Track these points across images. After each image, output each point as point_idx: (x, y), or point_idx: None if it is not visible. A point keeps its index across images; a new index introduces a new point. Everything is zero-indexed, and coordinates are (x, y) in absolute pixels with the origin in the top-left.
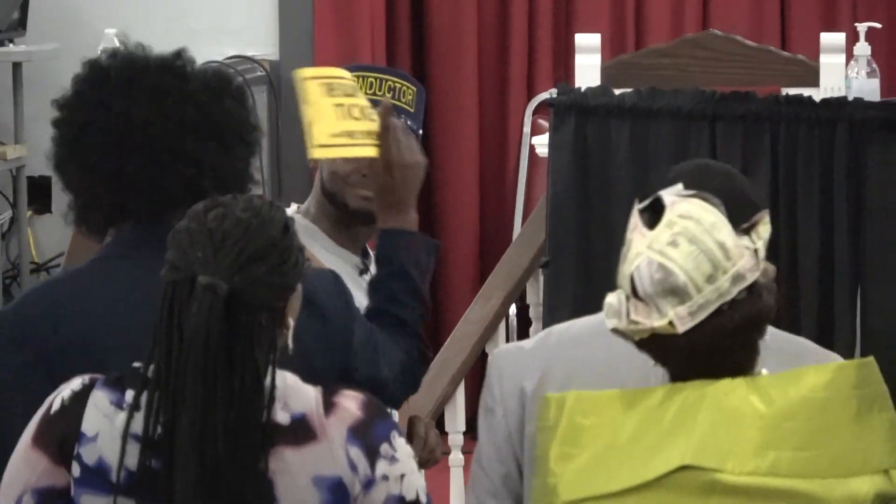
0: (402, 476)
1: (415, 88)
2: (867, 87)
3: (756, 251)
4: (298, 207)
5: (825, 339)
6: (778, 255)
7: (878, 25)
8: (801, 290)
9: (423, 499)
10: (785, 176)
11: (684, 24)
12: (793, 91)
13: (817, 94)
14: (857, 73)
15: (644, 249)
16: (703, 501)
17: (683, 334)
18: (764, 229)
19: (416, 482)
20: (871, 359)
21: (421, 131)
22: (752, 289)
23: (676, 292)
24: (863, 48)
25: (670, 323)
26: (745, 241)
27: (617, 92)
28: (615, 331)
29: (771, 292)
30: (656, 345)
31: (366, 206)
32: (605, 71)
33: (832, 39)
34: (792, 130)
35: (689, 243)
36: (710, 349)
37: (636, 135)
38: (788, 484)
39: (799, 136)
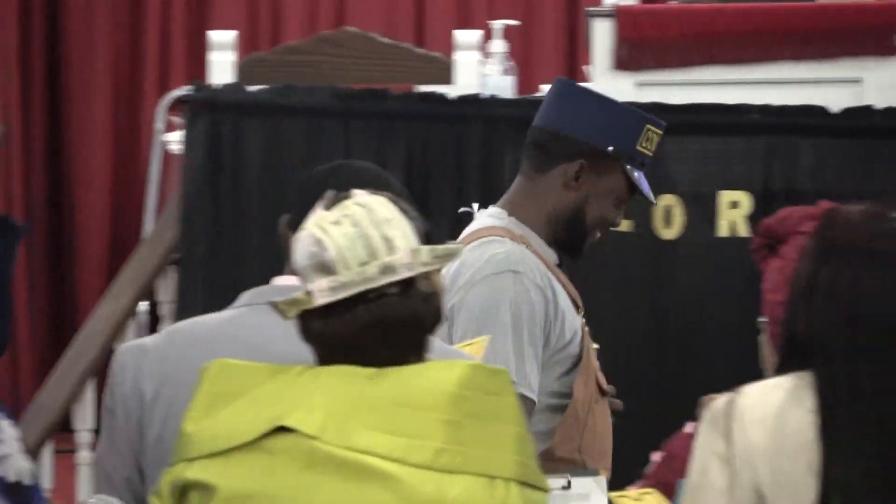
0: (4, 458)
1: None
2: (503, 85)
3: (426, 261)
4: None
5: None
6: None
7: (516, 23)
8: None
9: (26, 481)
10: (419, 174)
11: (320, 21)
12: (427, 88)
13: (452, 92)
14: (493, 71)
15: (310, 225)
16: (300, 468)
17: (325, 318)
18: (447, 251)
19: (18, 464)
20: (504, 369)
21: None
22: (408, 289)
23: (325, 267)
24: (498, 46)
25: (308, 293)
26: (423, 248)
27: (251, 89)
28: (272, 305)
29: (431, 303)
30: (302, 326)
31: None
32: (240, 68)
33: (467, 37)
34: (426, 128)
35: (352, 226)
36: (348, 337)
37: (270, 132)
38: (384, 466)
39: (433, 133)
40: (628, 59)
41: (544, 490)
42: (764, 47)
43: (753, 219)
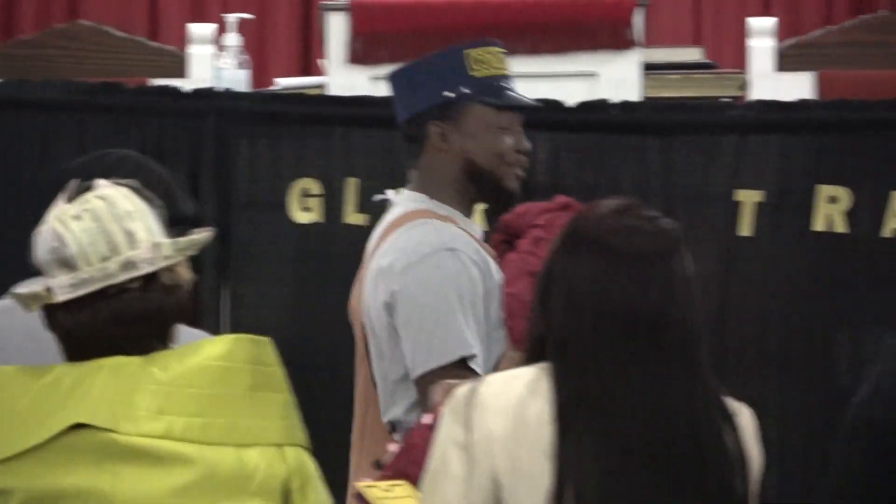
0: None
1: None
2: (237, 78)
3: (168, 254)
4: (401, 194)
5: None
6: None
7: (250, 17)
8: None
9: None
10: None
11: (53, 14)
12: (162, 82)
13: (187, 85)
14: (227, 64)
15: (51, 219)
16: (98, 461)
17: (68, 312)
18: (191, 242)
19: None
20: (267, 339)
21: None
22: (150, 284)
23: (66, 263)
24: (232, 39)
25: (48, 289)
26: (165, 242)
27: None
28: (15, 296)
29: (175, 294)
30: (47, 318)
31: (517, 186)
32: None
33: (200, 30)
34: (161, 122)
35: (92, 220)
36: (91, 331)
37: (5, 127)
38: (182, 448)
39: (167, 127)
40: (363, 53)
41: (310, 449)
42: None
43: (489, 214)
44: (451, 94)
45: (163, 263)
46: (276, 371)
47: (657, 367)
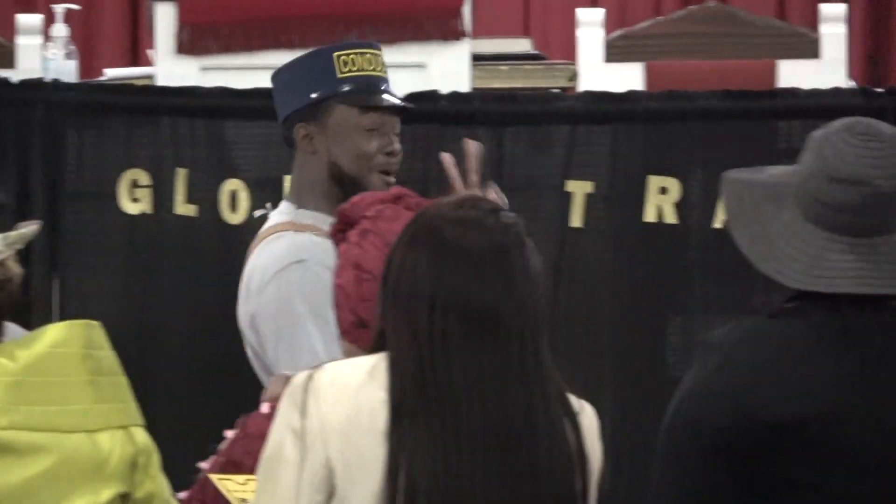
0: None
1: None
2: (65, 69)
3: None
4: (272, 206)
5: (19, 319)
6: None
7: (76, 7)
8: None
9: None
10: None
11: None
12: None
13: (14, 76)
14: (55, 55)
15: None
16: None
17: None
18: (20, 236)
19: None
20: (96, 323)
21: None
22: None
23: None
24: (60, 30)
25: None
26: None
27: None
28: None
29: (6, 289)
30: None
31: (381, 187)
32: None
33: (28, 20)
34: None
35: None
36: None
37: None
38: (37, 438)
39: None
40: (190, 43)
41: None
42: (328, 31)
43: None
44: (314, 96)
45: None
46: (109, 354)
47: (494, 361)
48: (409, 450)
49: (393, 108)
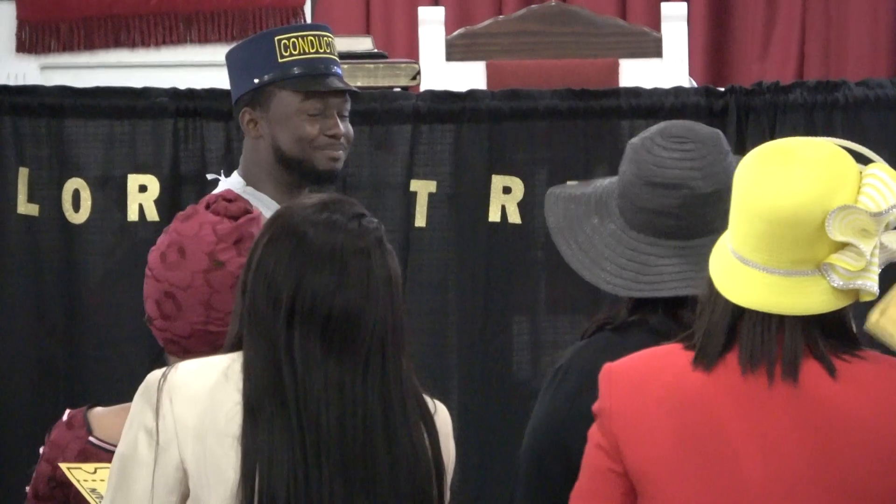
0: None
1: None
2: None
3: None
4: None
5: None
6: None
7: None
8: None
9: None
10: None
11: None
12: None
13: None
14: None
15: None
16: None
17: None
18: None
19: None
20: None
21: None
22: None
23: None
24: None
25: None
26: None
27: None
28: None
29: None
30: None
31: (334, 166)
32: None
33: None
34: None
35: None
36: None
37: None
38: None
39: None
40: (30, 42)
41: None
42: (170, 30)
43: (161, 202)
44: (257, 81)
45: None
46: None
47: (352, 363)
48: (264, 456)
49: (336, 91)
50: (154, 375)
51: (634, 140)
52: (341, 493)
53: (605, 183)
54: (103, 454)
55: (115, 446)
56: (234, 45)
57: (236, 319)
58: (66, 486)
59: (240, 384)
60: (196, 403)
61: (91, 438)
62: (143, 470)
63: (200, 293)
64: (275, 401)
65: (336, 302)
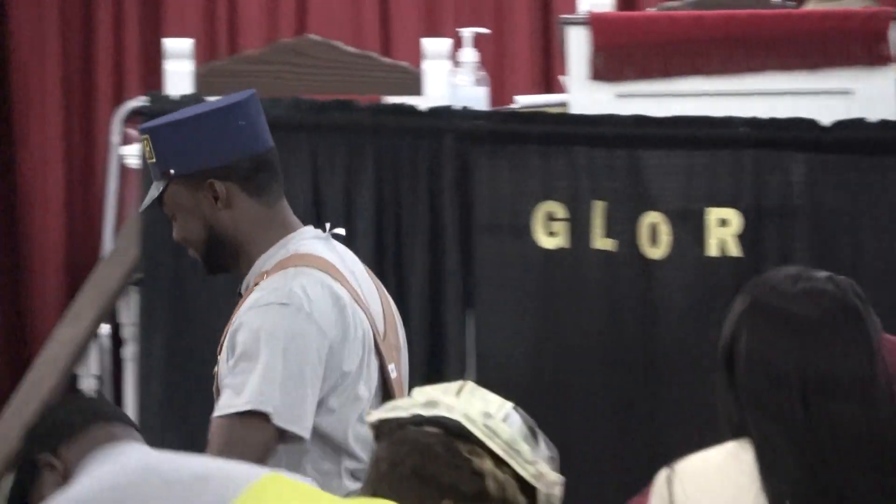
0: None
1: (147, 136)
2: (475, 96)
3: None
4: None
5: (435, 360)
6: (384, 273)
7: (486, 31)
8: (409, 308)
9: None
10: (391, 190)
11: (280, 27)
12: (395, 99)
13: (422, 103)
14: (464, 81)
15: None
16: None
17: None
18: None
19: None
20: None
21: (173, 170)
22: None
23: None
24: (469, 55)
25: None
26: None
27: (210, 100)
28: None
29: None
30: None
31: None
32: (198, 78)
33: (435, 45)
34: (395, 141)
35: None
36: None
37: None
38: None
39: (402, 146)
40: (605, 68)
41: None
42: (748, 56)
43: (744, 237)
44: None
45: None
46: None
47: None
48: None
49: None
50: (661, 474)
51: None
52: None
53: None
54: None
55: None
56: (814, 72)
57: (728, 404)
58: None
59: (747, 467)
60: (708, 489)
61: None
62: None
63: None
64: (787, 471)
65: (840, 369)
